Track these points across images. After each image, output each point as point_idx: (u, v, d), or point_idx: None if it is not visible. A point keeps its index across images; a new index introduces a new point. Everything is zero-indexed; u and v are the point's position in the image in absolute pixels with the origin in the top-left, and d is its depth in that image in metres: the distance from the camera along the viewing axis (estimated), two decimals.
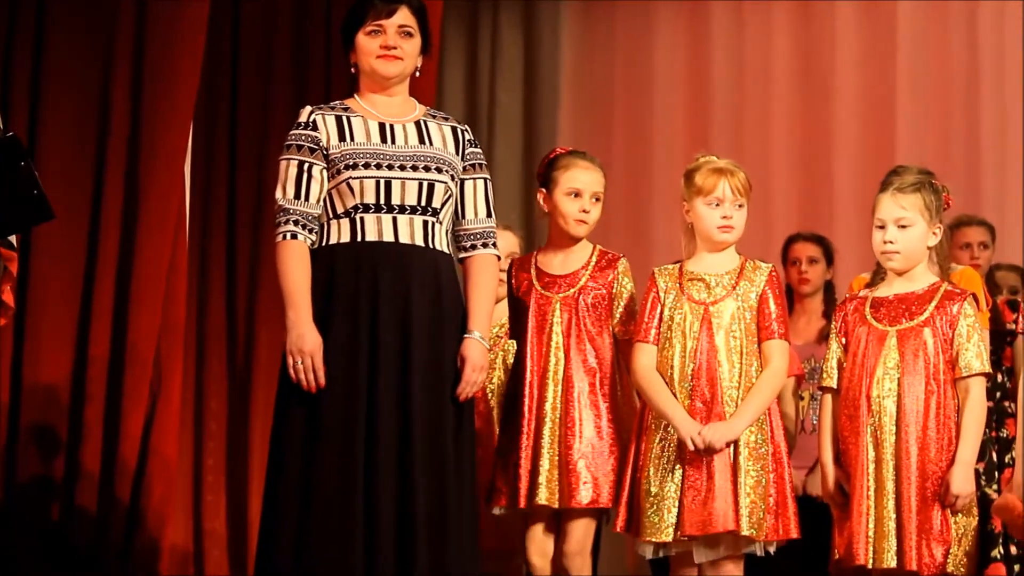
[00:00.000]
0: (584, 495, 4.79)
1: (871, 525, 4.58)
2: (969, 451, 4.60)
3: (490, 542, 4.98)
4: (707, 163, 4.80)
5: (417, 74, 4.54)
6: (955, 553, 4.58)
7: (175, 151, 6.44)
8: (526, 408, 4.88)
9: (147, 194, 6.38)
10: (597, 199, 4.97)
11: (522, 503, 4.84)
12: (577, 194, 4.95)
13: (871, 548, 4.57)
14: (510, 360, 5.12)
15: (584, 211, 4.94)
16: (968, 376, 4.63)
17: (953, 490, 4.55)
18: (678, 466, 4.66)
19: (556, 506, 4.83)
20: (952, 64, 7.71)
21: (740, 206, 4.76)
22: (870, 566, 4.58)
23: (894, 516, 4.55)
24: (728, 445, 4.61)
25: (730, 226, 4.76)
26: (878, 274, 4.91)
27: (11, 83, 6.30)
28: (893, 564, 4.52)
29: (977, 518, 4.70)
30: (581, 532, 4.87)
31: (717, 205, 4.75)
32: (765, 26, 8.14)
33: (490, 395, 5.32)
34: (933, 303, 4.68)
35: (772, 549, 4.70)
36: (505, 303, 5.17)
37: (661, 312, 4.77)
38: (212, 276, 7.19)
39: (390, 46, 4.43)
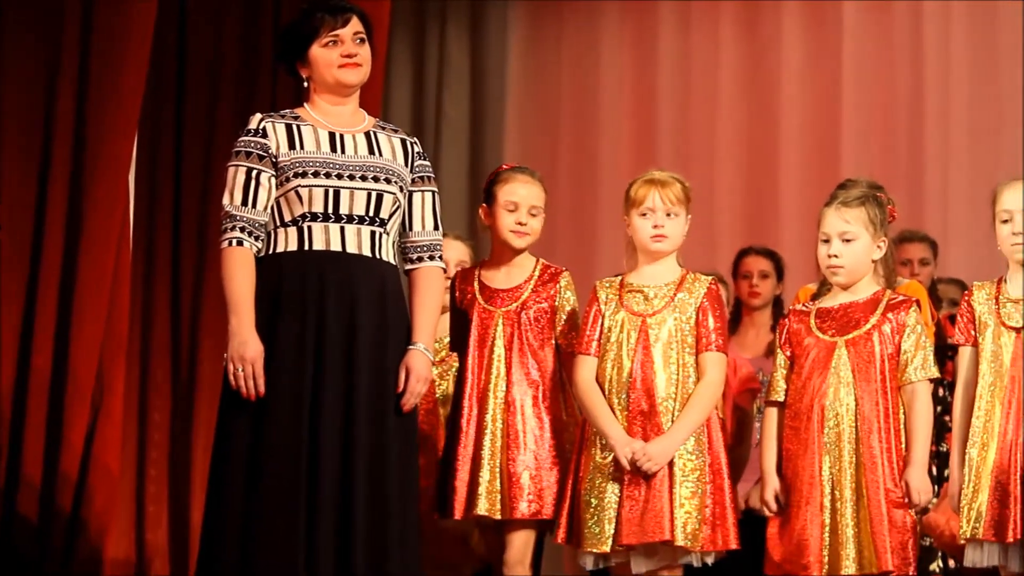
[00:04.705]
0: (526, 507, 4.81)
1: (827, 535, 4.59)
2: (922, 452, 4.64)
3: (431, 549, 4.99)
4: (643, 176, 4.84)
5: None
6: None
7: (120, 160, 6.39)
8: (464, 420, 4.90)
9: (91, 203, 6.32)
10: (534, 213, 4.99)
11: (458, 514, 4.85)
12: (515, 207, 4.97)
13: (826, 557, 4.58)
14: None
15: (520, 223, 4.96)
16: (916, 381, 4.66)
17: (913, 487, 4.58)
18: (618, 477, 4.68)
19: (497, 517, 4.84)
20: (897, 78, 7.76)
21: (674, 215, 4.78)
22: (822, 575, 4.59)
23: (852, 523, 4.57)
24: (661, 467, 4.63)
25: (662, 235, 4.78)
26: (824, 284, 4.93)
27: None
28: (852, 571, 4.53)
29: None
30: (522, 542, 4.87)
31: (649, 215, 4.77)
32: (712, 38, 8.18)
33: (440, 405, 5.32)
34: (879, 311, 4.70)
35: (710, 560, 4.72)
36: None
37: (602, 324, 4.79)
38: (156, 287, 7.16)
39: (351, 54, 4.43)
